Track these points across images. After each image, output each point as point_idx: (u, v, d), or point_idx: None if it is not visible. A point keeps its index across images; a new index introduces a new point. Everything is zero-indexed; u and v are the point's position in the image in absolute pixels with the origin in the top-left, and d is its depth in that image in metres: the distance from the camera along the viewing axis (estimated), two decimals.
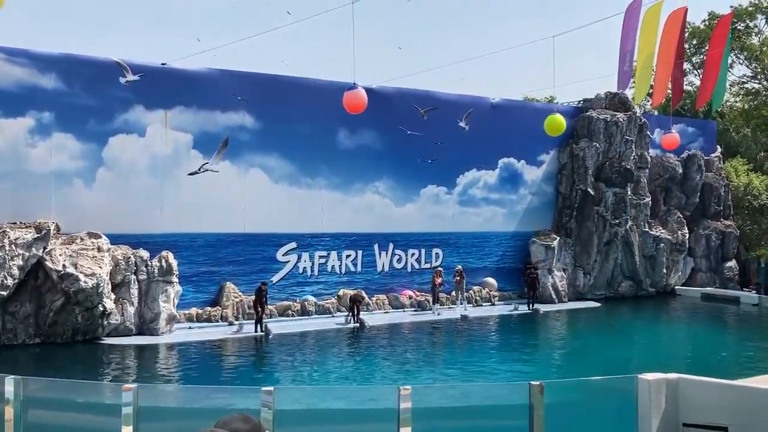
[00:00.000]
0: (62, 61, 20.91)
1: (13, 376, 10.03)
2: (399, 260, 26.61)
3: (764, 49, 40.70)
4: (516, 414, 10.12)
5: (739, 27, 41.14)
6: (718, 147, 35.18)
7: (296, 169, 24.50)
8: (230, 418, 3.05)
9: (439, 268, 26.24)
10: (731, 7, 41.09)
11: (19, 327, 18.92)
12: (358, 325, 22.82)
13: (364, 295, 24.48)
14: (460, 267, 26.59)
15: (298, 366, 17.75)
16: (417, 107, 26.48)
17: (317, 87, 24.50)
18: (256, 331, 21.36)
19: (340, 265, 25.42)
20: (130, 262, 20.57)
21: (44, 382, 10.99)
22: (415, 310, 25.65)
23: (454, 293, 26.34)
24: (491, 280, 28.11)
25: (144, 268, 20.85)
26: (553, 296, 28.10)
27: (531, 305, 26.70)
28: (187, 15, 69.49)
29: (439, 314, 24.91)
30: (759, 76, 42.46)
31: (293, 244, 24.53)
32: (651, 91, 35.29)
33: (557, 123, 22.20)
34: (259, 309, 21.57)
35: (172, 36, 65.01)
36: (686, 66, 42.12)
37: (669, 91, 32.61)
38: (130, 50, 64.49)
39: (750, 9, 41.26)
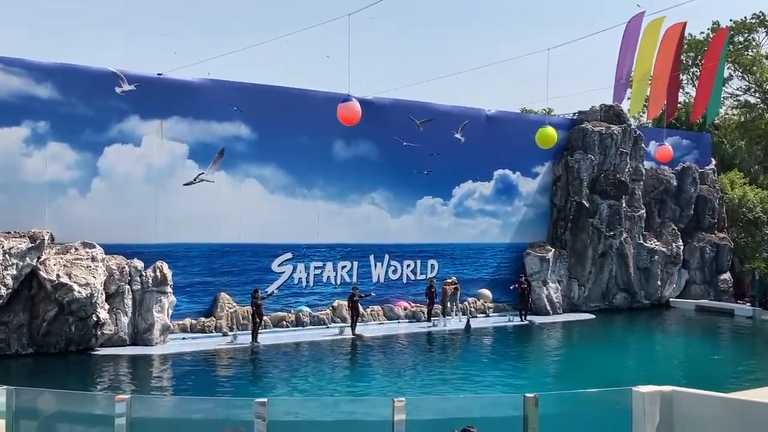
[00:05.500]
0: (58, 71, 20.92)
1: (5, 387, 10.00)
2: (394, 271, 26.60)
3: (759, 60, 40.85)
4: (510, 426, 10.11)
5: (738, 40, 41.27)
6: (713, 159, 35.30)
7: (292, 179, 24.51)
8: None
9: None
10: (731, 20, 41.29)
11: (12, 337, 18.83)
12: (355, 335, 22.83)
13: (356, 288, 24.17)
14: (454, 278, 26.61)
15: (292, 377, 17.68)
16: (413, 118, 26.54)
17: (313, 98, 24.55)
18: (253, 341, 21.31)
19: (335, 276, 25.40)
20: (124, 272, 20.52)
21: (37, 392, 10.93)
22: (410, 321, 25.65)
23: (449, 304, 26.29)
24: (486, 292, 28.12)
25: (138, 278, 20.80)
26: (548, 308, 28.12)
27: (523, 316, 26.72)
28: (184, 25, 69.66)
29: (442, 325, 24.92)
30: (753, 88, 42.63)
31: (288, 255, 24.51)
32: (646, 103, 35.49)
33: (548, 136, 22.24)
34: (256, 318, 21.58)
35: (168, 46, 65.11)
36: (683, 78, 42.30)
37: (664, 105, 32.82)
38: (127, 60, 64.62)
39: (752, 21, 41.31)
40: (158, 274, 21.05)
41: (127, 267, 20.65)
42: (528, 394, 9.87)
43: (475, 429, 8.66)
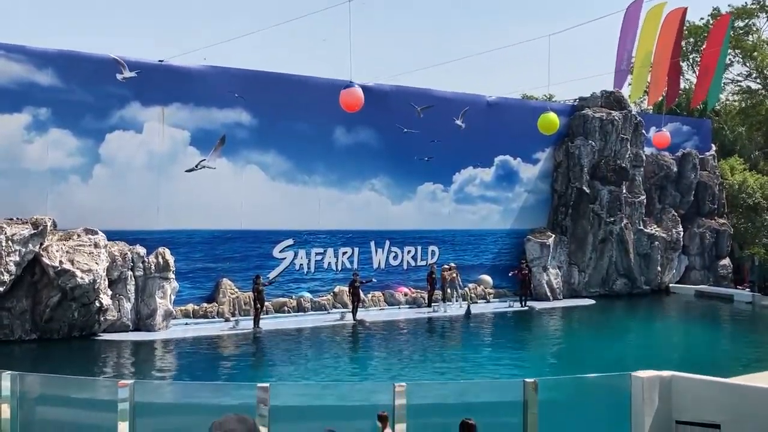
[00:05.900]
0: (59, 58, 20.90)
1: (9, 372, 10.08)
2: (395, 257, 26.67)
3: (760, 45, 40.73)
4: (510, 411, 10.21)
5: (739, 25, 41.10)
6: (713, 145, 35.28)
7: (293, 166, 24.53)
8: (226, 419, 3.04)
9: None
10: (729, 6, 41.11)
11: (15, 323, 18.93)
12: (356, 320, 22.95)
13: (357, 274, 24.30)
14: (452, 264, 26.67)
15: (294, 362, 17.80)
16: (414, 105, 26.52)
17: (314, 84, 24.53)
18: (255, 326, 21.40)
19: (336, 262, 25.48)
20: (126, 259, 20.60)
21: (41, 378, 11.04)
22: (410, 307, 25.76)
23: (449, 290, 26.37)
24: (486, 278, 28.20)
25: (141, 265, 20.88)
26: (548, 294, 28.20)
27: (523, 302, 26.81)
28: (185, 11, 69.41)
29: (442, 311, 25.03)
30: (753, 74, 42.54)
31: (290, 241, 24.59)
32: (647, 89, 35.47)
33: (550, 121, 22.25)
34: (258, 304, 21.67)
35: (169, 33, 64.95)
36: (683, 64, 42.22)
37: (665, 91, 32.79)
38: (127, 47, 64.48)
39: (752, 7, 41.12)
40: (160, 260, 21.12)
41: (129, 253, 20.72)
42: (528, 379, 9.94)
43: (473, 420, 8.55)
